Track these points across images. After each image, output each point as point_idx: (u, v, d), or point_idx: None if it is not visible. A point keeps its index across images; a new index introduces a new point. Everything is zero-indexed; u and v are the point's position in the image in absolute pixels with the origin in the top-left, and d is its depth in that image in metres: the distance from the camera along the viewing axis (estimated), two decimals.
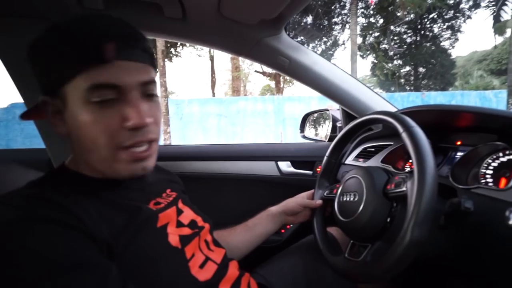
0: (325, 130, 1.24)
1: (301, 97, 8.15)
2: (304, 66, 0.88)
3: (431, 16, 13.93)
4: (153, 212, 0.50)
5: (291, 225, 1.03)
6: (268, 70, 13.04)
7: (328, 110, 1.17)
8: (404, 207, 0.50)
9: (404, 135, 0.54)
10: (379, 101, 0.94)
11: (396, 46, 13.95)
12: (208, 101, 8.03)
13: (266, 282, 0.66)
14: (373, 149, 0.92)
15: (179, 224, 0.53)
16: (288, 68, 0.89)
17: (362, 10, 13.04)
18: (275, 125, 8.05)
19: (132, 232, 0.44)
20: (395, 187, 0.55)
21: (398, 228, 0.49)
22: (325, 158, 0.79)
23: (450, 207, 0.55)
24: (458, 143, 0.70)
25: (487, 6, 14.57)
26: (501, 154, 0.62)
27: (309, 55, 0.88)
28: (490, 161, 0.64)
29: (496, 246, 0.50)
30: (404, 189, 0.52)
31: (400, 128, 0.55)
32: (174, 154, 1.08)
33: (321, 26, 13.07)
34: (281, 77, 12.23)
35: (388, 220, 0.56)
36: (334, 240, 0.79)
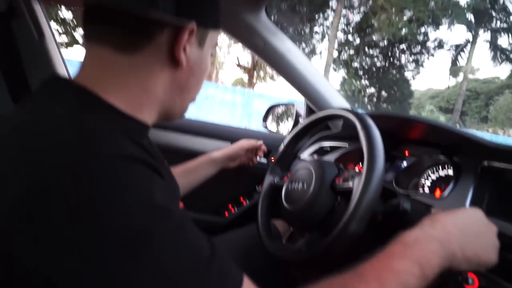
0: (287, 125, 1.24)
1: (271, 97, 8.23)
2: (278, 51, 0.86)
3: (401, 46, 15.00)
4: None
5: (236, 210, 1.01)
6: (244, 63, 12.95)
7: (293, 105, 1.16)
8: (347, 203, 0.51)
9: (362, 133, 0.54)
10: (343, 103, 0.96)
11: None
12: None
13: None
14: (328, 149, 0.94)
15: None
16: (262, 50, 0.86)
17: (343, 26, 13.56)
18: (241, 118, 8.02)
19: None
20: (343, 181, 0.56)
21: (337, 221, 0.49)
22: (282, 146, 0.78)
23: (390, 207, 0.57)
24: (406, 153, 0.74)
25: (449, 49, 16.12)
26: (440, 168, 0.66)
27: (285, 42, 0.86)
28: (430, 173, 0.68)
29: None
30: (350, 185, 0.53)
31: (359, 126, 0.56)
32: None
33: (302, 32, 13.32)
34: (255, 72, 12.22)
35: (330, 212, 0.57)
36: (275, 228, 0.78)
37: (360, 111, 0.62)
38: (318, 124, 0.74)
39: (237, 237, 0.74)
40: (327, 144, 0.96)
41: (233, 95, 8.06)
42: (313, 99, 0.95)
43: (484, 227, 0.42)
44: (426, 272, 0.35)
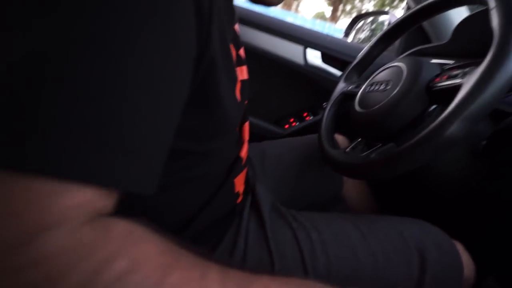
0: None
1: None
2: None
3: None
4: None
5: (297, 123, 0.93)
6: None
7: (387, 13, 0.94)
8: (445, 109, 0.38)
9: (495, 11, 0.38)
10: None
11: None
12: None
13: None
14: None
15: None
16: None
17: None
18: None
19: None
20: (447, 79, 0.42)
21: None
22: (366, 47, 0.64)
23: (501, 129, 0.43)
24: None
25: None
26: None
27: None
28: None
29: None
30: (459, 80, 0.39)
31: (491, 2, 0.39)
32: None
33: None
34: (341, 5, 10.79)
35: (416, 119, 0.45)
36: (336, 141, 0.70)
37: None
38: (419, 19, 0.57)
39: (295, 143, 0.69)
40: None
41: (312, 28, 7.36)
42: None
43: None
44: None
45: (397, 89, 0.46)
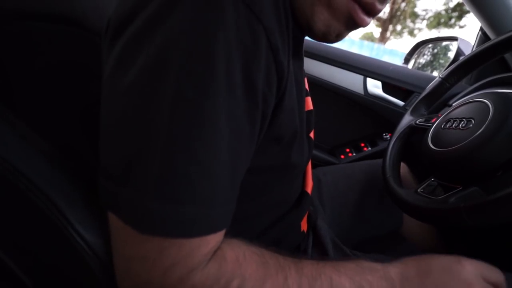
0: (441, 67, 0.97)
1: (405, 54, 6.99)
2: None
3: None
4: None
5: (353, 153, 0.90)
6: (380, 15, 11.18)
7: (456, 40, 0.89)
8: None
9: None
10: None
11: None
12: None
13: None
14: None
15: None
16: None
17: None
18: None
19: None
20: None
21: None
22: (437, 78, 0.60)
23: None
24: None
25: None
26: None
27: None
28: None
29: None
30: None
31: None
32: None
33: None
34: (390, 25, 10.50)
35: (506, 164, 0.40)
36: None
37: None
38: (496, 53, 0.52)
39: (350, 170, 0.66)
40: (501, 91, 0.70)
41: (360, 50, 7.24)
42: (496, 19, 0.67)
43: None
44: None
45: (483, 128, 0.42)
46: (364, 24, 0.33)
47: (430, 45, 1.05)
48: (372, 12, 0.32)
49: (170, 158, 0.22)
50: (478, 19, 0.71)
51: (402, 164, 0.65)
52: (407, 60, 1.07)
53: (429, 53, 1.05)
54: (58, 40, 0.39)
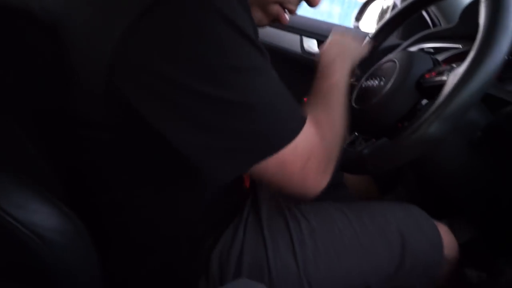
0: None
1: None
2: None
3: None
4: None
5: None
6: None
7: None
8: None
9: (484, 5, 0.38)
10: None
11: None
12: None
13: None
14: (431, 50, 0.73)
15: None
16: None
17: None
18: None
19: None
20: (435, 75, 0.43)
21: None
22: (366, 39, 0.64)
23: (498, 119, 0.43)
24: None
25: None
26: None
27: None
28: None
29: None
30: (444, 78, 0.40)
31: None
32: None
33: None
34: None
35: (407, 115, 0.46)
36: None
37: None
38: (419, 7, 0.57)
39: None
40: (430, 45, 0.75)
41: (330, 4, 7.02)
42: None
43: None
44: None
45: (389, 84, 0.47)
46: (286, 22, 0.46)
47: (380, 3, 1.06)
48: (292, 13, 0.47)
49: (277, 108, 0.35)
50: None
51: None
52: (357, 18, 1.09)
53: (378, 12, 1.08)
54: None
